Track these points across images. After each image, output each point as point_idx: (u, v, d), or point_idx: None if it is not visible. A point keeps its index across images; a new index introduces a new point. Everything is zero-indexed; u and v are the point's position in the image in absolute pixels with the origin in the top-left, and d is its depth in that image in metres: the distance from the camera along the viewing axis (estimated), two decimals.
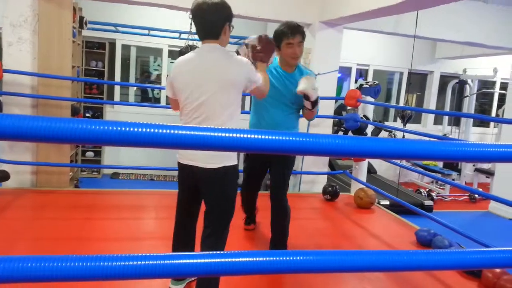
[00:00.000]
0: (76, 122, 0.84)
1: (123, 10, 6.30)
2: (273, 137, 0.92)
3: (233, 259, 1.06)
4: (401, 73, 8.15)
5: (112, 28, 6.11)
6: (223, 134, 0.88)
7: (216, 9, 2.07)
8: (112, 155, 6.55)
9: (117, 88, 6.95)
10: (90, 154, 6.31)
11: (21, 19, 4.05)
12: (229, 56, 2.13)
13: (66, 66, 4.20)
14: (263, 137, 0.91)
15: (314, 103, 2.75)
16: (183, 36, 5.69)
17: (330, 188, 4.60)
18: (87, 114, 6.30)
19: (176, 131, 0.88)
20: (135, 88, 7.33)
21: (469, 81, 7.97)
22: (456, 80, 8.08)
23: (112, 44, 6.69)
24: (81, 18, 4.89)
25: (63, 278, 0.95)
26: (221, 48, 2.13)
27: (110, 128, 0.85)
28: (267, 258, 1.12)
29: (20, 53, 4.07)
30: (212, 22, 2.09)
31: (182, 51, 4.87)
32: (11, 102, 4.10)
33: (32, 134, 0.83)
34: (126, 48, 6.93)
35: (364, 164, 4.96)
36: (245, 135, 0.90)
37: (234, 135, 0.90)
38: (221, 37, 2.13)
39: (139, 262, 1.00)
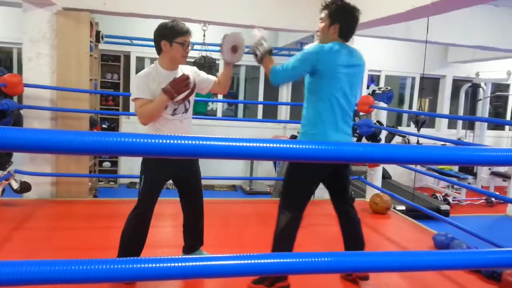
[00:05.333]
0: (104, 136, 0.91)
1: (137, 23, 6.43)
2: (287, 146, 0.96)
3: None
4: (413, 78, 8.14)
5: (127, 41, 6.24)
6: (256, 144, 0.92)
7: (154, 30, 2.51)
8: (128, 165, 6.64)
9: None
10: (107, 164, 6.41)
11: (39, 35, 4.18)
12: (143, 70, 2.52)
13: (84, 80, 4.31)
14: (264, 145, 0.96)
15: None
16: (196, 47, 5.78)
17: None
18: (103, 126, 6.42)
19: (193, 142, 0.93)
20: None
21: (482, 84, 7.91)
22: (469, 84, 8.03)
23: (127, 57, 6.82)
24: (98, 32, 5.01)
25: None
26: (153, 64, 2.53)
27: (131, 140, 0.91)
28: (282, 260, 1.16)
29: (39, 67, 4.20)
30: (154, 42, 2.52)
31: (196, 62, 4.96)
32: (31, 115, 4.21)
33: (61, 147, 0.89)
34: (140, 60, 7.05)
35: (379, 170, 4.95)
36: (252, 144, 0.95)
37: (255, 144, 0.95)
38: (162, 54, 2.49)
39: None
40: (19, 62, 6.19)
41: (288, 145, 0.90)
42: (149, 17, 4.66)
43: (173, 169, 2.56)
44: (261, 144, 0.91)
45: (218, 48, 6.40)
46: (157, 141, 0.88)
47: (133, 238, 2.55)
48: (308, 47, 2.46)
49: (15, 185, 3.94)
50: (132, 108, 7.04)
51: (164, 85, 2.38)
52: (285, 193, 2.55)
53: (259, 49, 2.49)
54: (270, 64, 2.46)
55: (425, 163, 0.99)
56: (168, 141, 0.89)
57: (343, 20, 2.47)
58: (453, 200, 6.72)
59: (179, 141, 0.90)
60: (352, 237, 2.73)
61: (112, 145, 0.86)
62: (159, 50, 2.49)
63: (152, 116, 2.39)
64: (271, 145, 0.91)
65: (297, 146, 0.90)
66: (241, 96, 7.75)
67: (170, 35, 2.43)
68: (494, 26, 5.52)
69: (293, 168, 2.50)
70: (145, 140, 0.88)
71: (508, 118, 8.63)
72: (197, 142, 0.90)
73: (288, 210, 2.48)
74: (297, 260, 1.17)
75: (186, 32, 2.46)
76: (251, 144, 0.91)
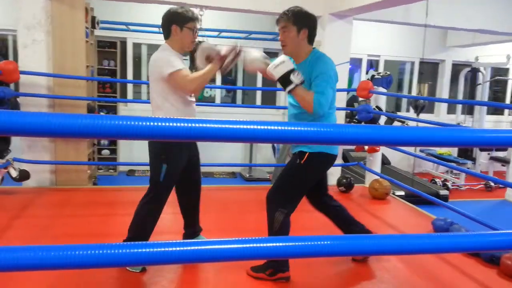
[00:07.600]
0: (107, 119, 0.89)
1: (133, 9, 6.35)
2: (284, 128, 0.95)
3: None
4: (412, 63, 8.09)
5: (123, 27, 6.17)
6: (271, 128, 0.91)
7: (164, 15, 2.52)
8: (127, 153, 6.63)
9: (129, 86, 7.02)
10: (106, 152, 6.40)
11: (34, 21, 4.11)
12: (159, 52, 2.51)
13: (80, 66, 4.27)
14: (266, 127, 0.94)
15: (283, 83, 2.29)
16: None
17: (344, 180, 4.61)
18: (101, 113, 6.38)
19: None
20: (147, 86, 7.39)
21: (481, 69, 7.87)
22: (469, 68, 7.98)
23: (123, 43, 6.75)
24: (93, 18, 4.94)
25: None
26: (163, 47, 2.52)
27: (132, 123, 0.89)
28: (285, 244, 1.16)
29: (35, 54, 4.14)
30: (162, 26, 2.53)
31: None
32: (28, 103, 4.17)
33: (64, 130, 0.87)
34: (137, 46, 6.98)
35: (378, 155, 4.95)
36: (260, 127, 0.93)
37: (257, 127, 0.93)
38: (171, 38, 2.51)
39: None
40: (14, 50, 6.12)
41: (289, 127, 0.89)
42: (145, 2, 4.60)
43: (189, 154, 2.63)
44: (268, 127, 0.90)
45: (216, 33, 6.34)
46: (154, 123, 0.87)
47: (148, 227, 2.55)
48: (320, 65, 2.39)
49: (14, 173, 3.93)
50: (129, 95, 7.00)
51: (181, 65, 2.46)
52: (288, 192, 2.49)
53: (298, 77, 2.27)
54: (309, 94, 2.29)
55: (428, 144, 0.98)
56: (166, 123, 0.88)
57: (308, 24, 2.44)
58: (452, 185, 6.74)
59: (175, 124, 0.88)
60: (348, 219, 2.76)
61: (111, 128, 0.85)
62: (167, 35, 2.52)
63: (203, 83, 2.45)
64: (274, 127, 0.90)
65: (299, 129, 0.89)
66: (239, 82, 7.70)
67: (181, 20, 2.47)
68: (494, 9, 5.46)
69: (308, 169, 2.46)
70: (141, 123, 0.87)
71: (507, 102, 8.60)
72: (197, 125, 0.89)
73: (286, 208, 2.45)
74: (298, 243, 1.16)
75: (196, 18, 2.53)
76: (261, 127, 0.90)
